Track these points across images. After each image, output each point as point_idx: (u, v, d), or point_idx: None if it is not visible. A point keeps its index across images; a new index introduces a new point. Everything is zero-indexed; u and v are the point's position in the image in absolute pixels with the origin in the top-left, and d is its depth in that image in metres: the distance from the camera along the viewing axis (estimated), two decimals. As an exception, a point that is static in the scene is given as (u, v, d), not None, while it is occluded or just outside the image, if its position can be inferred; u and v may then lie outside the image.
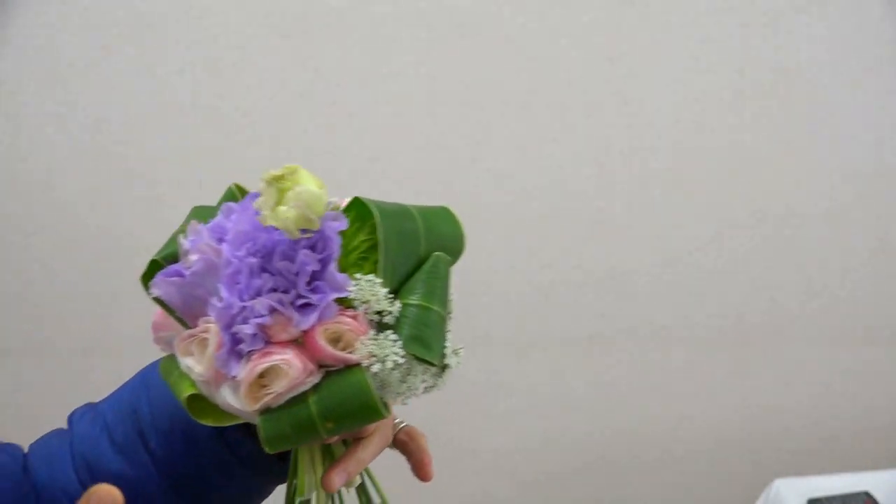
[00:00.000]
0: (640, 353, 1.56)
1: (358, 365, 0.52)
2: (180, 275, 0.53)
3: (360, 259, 0.54)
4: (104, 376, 1.61)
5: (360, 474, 0.60)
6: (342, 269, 0.52)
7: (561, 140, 1.44)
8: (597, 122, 1.43)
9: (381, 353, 0.51)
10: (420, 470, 0.64)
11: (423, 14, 1.37)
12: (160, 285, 0.54)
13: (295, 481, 0.58)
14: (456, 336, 0.56)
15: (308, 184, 0.51)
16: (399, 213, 0.56)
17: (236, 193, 0.59)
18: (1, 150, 1.40)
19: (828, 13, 1.40)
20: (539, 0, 1.38)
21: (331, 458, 0.59)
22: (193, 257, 0.53)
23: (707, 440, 1.61)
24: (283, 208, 0.50)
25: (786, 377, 1.59)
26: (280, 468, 0.63)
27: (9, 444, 0.66)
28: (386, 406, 0.53)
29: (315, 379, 0.52)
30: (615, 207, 1.47)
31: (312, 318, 0.51)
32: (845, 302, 1.54)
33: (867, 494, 1.25)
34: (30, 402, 1.49)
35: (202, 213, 0.58)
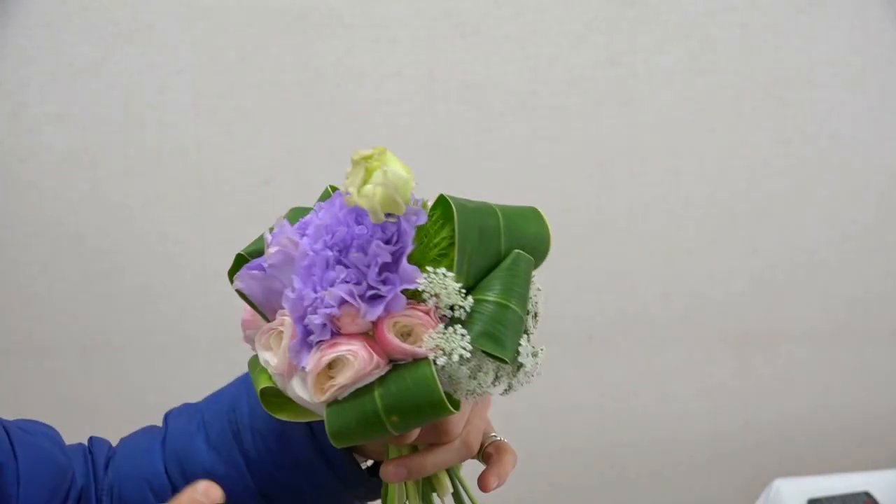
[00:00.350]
0: (640, 353, 1.56)
1: (425, 358, 0.51)
2: (261, 268, 0.54)
3: (440, 255, 0.54)
4: (104, 376, 1.62)
5: (454, 483, 0.60)
6: (420, 265, 0.52)
7: (561, 140, 1.44)
8: (597, 122, 1.43)
9: (448, 346, 0.51)
10: (484, 480, 0.62)
11: (423, 14, 1.37)
12: (242, 278, 0.54)
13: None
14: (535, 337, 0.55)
15: (395, 165, 0.51)
16: (480, 210, 0.56)
17: (330, 193, 0.59)
18: (1, 150, 1.40)
19: (828, 13, 1.40)
20: (539, 0, 1.38)
21: (439, 485, 0.59)
22: (272, 250, 0.53)
23: (707, 440, 1.61)
24: (369, 187, 0.50)
25: (786, 377, 1.59)
26: (372, 483, 0.63)
27: (42, 425, 0.66)
28: (454, 402, 0.52)
29: (381, 372, 0.51)
30: (615, 207, 1.47)
31: (379, 308, 0.50)
32: (845, 301, 1.54)
33: (867, 494, 1.25)
34: (30, 402, 1.49)
35: (298, 213, 0.58)
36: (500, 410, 1.63)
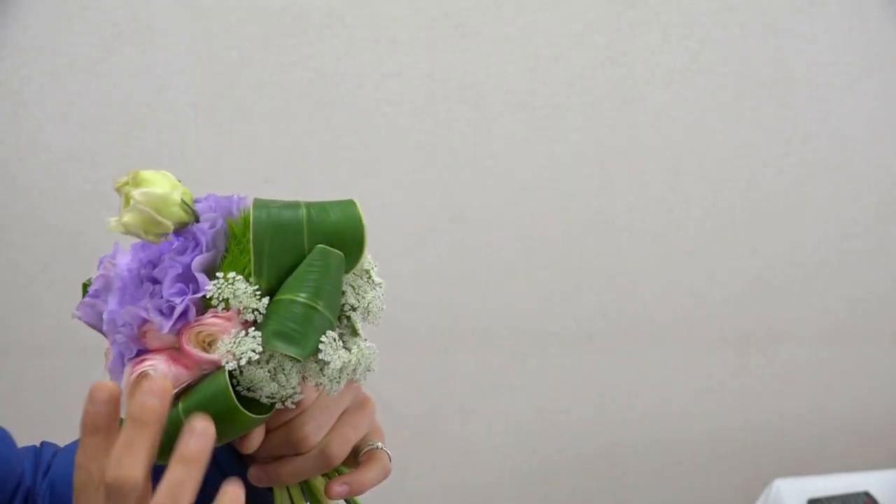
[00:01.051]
0: (640, 353, 1.56)
1: (220, 367, 0.50)
2: (93, 295, 0.55)
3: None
4: (104, 376, 1.61)
5: (305, 495, 0.58)
6: (232, 271, 0.51)
7: (561, 140, 1.44)
8: (597, 122, 1.43)
9: (238, 350, 0.50)
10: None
11: (423, 14, 1.37)
12: (81, 307, 0.55)
13: None
14: (380, 334, 0.54)
15: (155, 186, 0.51)
16: (282, 206, 0.53)
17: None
18: (1, 150, 1.40)
19: (828, 13, 1.40)
20: (539, 0, 1.38)
21: (310, 492, 0.57)
22: (96, 275, 0.54)
23: (707, 440, 1.61)
24: (124, 215, 0.51)
25: (786, 377, 1.59)
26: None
27: (46, 443, 0.67)
28: (262, 408, 0.51)
29: (185, 383, 0.51)
30: (615, 207, 1.47)
31: (170, 320, 0.50)
32: (845, 301, 1.54)
33: (867, 494, 1.25)
34: (30, 402, 1.49)
35: None
36: (499, 411, 1.64)
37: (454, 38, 1.38)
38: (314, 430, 0.55)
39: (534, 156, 1.44)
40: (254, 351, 0.49)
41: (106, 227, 0.51)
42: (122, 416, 0.48)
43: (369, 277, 0.56)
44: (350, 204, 0.55)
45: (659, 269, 1.51)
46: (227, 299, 0.50)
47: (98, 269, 0.54)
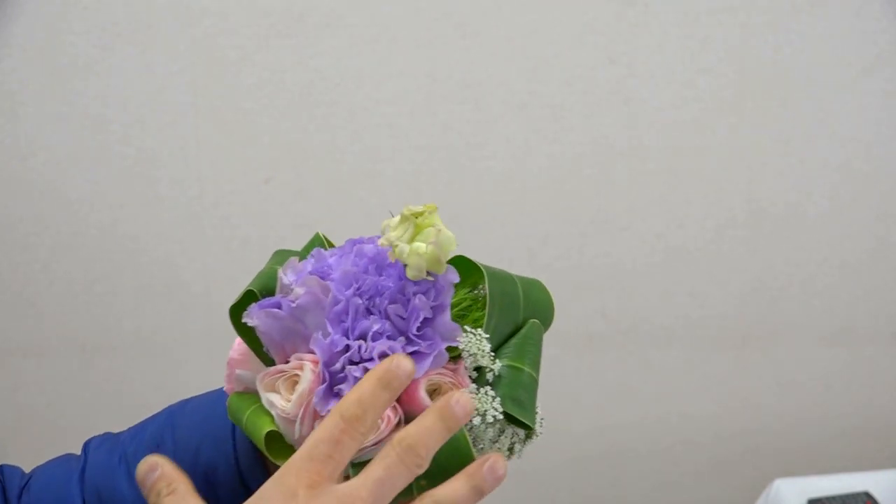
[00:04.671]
0: (640, 353, 1.56)
1: None
2: (279, 307, 0.52)
3: (458, 316, 0.53)
4: (104, 376, 1.62)
5: None
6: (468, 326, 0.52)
7: (561, 140, 1.44)
8: (597, 122, 1.43)
9: (482, 407, 0.51)
10: None
11: (423, 14, 1.37)
12: (258, 316, 0.52)
13: None
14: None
15: (442, 226, 0.50)
16: (503, 277, 0.56)
17: (322, 240, 0.59)
18: (1, 150, 1.40)
19: (828, 13, 1.40)
20: (539, 0, 1.38)
21: None
22: (300, 290, 0.51)
23: (707, 440, 1.61)
24: (420, 244, 0.49)
25: (786, 377, 1.59)
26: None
27: (5, 466, 0.64)
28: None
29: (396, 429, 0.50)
30: (615, 207, 1.47)
31: (426, 365, 0.50)
32: (845, 302, 1.54)
33: (867, 494, 1.25)
34: (30, 402, 1.49)
35: (284, 255, 0.57)
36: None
37: (454, 38, 1.38)
38: None
39: (534, 156, 1.44)
40: (496, 410, 0.51)
41: (398, 251, 0.50)
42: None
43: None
44: (542, 286, 0.61)
45: (659, 269, 1.51)
46: (475, 354, 0.51)
47: (296, 283, 0.52)
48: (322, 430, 0.47)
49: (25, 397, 1.51)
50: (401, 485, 0.47)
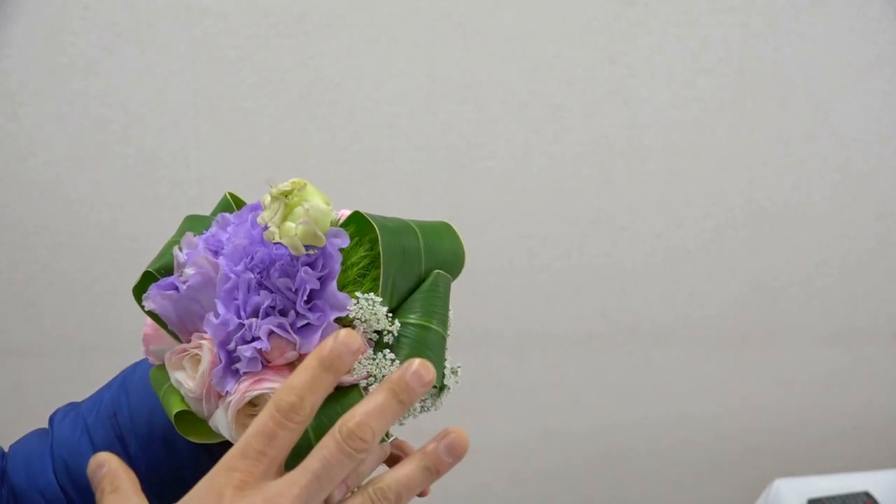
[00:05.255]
0: (640, 353, 1.56)
1: (355, 386, 0.50)
2: (175, 288, 0.52)
3: (359, 276, 0.53)
4: (104, 376, 1.61)
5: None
6: (341, 286, 0.51)
7: (561, 140, 1.44)
8: (597, 122, 1.43)
9: (379, 372, 0.50)
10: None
11: (423, 14, 1.37)
12: (154, 299, 0.52)
13: None
14: (454, 346, 0.55)
15: (315, 199, 0.50)
16: (400, 229, 0.54)
17: (231, 203, 0.58)
18: (1, 150, 1.40)
19: (828, 13, 1.40)
20: (539, 0, 1.38)
21: None
22: (190, 271, 0.51)
23: (707, 440, 1.61)
24: (290, 224, 0.49)
25: (786, 377, 1.59)
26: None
27: None
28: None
29: None
30: (615, 207, 1.47)
31: (315, 339, 0.49)
32: (845, 301, 1.54)
33: (867, 494, 1.25)
34: (30, 402, 1.49)
35: (196, 223, 0.57)
36: (499, 409, 1.64)
37: (454, 38, 1.38)
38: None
39: (534, 156, 1.44)
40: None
41: (271, 233, 0.48)
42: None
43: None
44: (450, 229, 0.58)
45: (659, 269, 1.51)
46: (368, 320, 0.50)
47: (187, 263, 0.52)
48: (255, 425, 0.46)
49: (25, 397, 1.51)
50: (341, 475, 0.45)
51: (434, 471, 0.47)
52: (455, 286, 0.57)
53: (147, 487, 0.60)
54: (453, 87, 1.41)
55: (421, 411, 0.54)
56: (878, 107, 1.45)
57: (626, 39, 1.40)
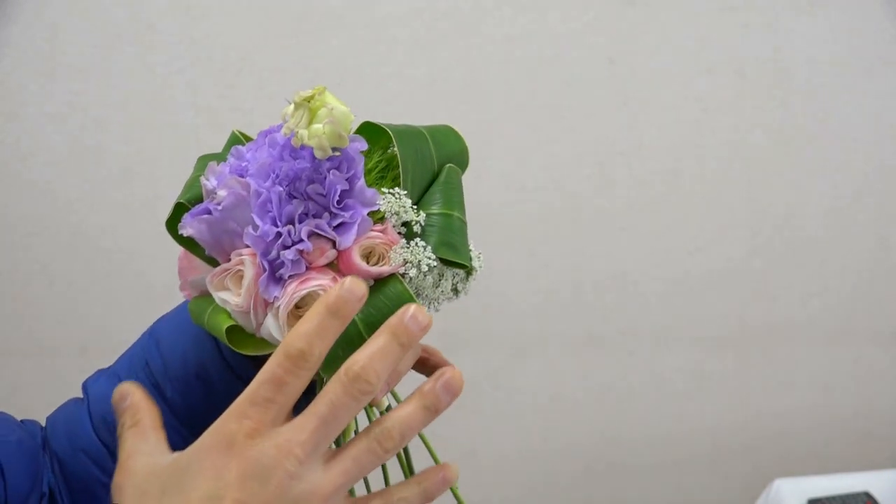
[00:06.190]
0: (640, 353, 1.56)
1: (393, 275, 0.53)
2: (209, 212, 0.54)
3: (378, 178, 0.56)
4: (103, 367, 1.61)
5: (389, 398, 0.61)
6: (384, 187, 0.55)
7: (561, 140, 1.44)
8: (597, 122, 1.43)
9: (415, 258, 0.53)
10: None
11: (423, 14, 1.37)
12: (191, 224, 0.55)
13: None
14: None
15: (337, 103, 0.53)
16: (410, 132, 0.58)
17: (240, 138, 0.61)
18: (1, 150, 1.40)
19: (828, 13, 1.40)
20: (539, 0, 1.38)
21: None
22: (223, 192, 0.54)
23: (707, 440, 1.61)
24: (317, 126, 0.51)
25: (786, 377, 1.59)
26: (303, 404, 0.63)
27: (26, 421, 0.66)
28: None
29: None
30: (615, 207, 1.47)
31: (352, 234, 0.52)
32: (845, 302, 1.54)
33: (867, 494, 1.25)
34: (30, 402, 1.49)
35: (206, 160, 0.59)
36: (499, 410, 1.64)
37: (454, 38, 1.38)
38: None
39: (534, 156, 1.44)
40: (429, 258, 0.53)
41: (299, 137, 0.52)
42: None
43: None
44: (454, 131, 0.65)
45: (659, 269, 1.51)
46: (398, 212, 0.54)
47: (217, 186, 0.54)
48: (264, 372, 0.47)
49: (25, 397, 1.50)
50: (348, 418, 0.47)
51: (433, 409, 0.49)
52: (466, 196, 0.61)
53: (189, 431, 0.61)
54: (453, 87, 1.41)
55: (455, 296, 0.58)
56: (878, 107, 1.45)
57: (626, 39, 1.40)
